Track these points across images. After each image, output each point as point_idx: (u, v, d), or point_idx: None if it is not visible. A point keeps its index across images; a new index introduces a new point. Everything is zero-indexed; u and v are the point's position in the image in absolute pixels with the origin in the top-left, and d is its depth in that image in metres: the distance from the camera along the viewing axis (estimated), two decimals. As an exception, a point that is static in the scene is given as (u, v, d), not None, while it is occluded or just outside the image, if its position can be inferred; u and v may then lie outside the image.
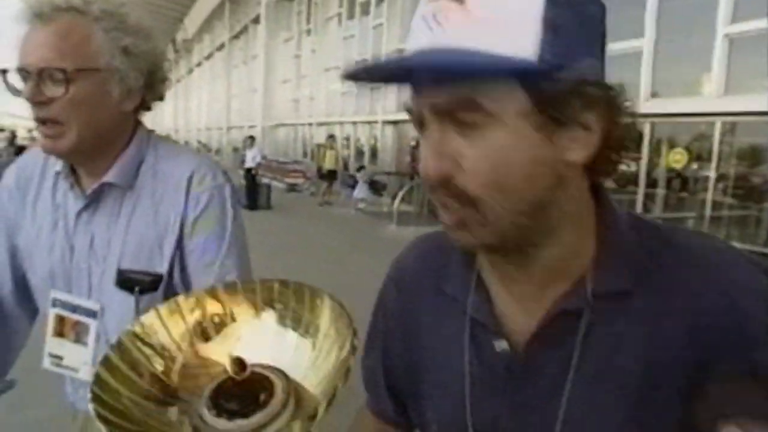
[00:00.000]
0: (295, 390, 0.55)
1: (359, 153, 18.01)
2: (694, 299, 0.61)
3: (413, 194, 11.83)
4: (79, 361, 1.23)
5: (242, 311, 0.62)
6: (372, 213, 12.51)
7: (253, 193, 13.16)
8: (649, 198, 8.54)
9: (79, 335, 1.22)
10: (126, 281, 1.16)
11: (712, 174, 7.75)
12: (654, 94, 8.38)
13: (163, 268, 1.16)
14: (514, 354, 0.68)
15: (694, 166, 8.19)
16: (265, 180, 14.37)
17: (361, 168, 14.14)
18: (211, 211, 1.20)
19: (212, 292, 0.64)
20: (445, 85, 0.57)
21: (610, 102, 0.59)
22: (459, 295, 0.74)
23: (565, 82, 0.56)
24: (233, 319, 0.62)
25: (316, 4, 21.69)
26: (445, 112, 0.58)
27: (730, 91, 7.32)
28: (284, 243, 9.04)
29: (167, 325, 0.62)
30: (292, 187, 17.16)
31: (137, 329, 0.61)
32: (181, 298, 0.63)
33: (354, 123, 18.17)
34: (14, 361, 1.34)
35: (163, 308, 0.63)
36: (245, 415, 0.52)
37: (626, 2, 8.39)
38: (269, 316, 0.61)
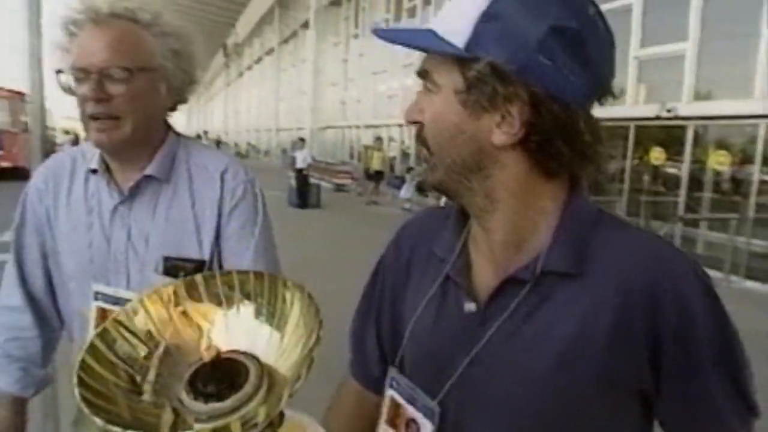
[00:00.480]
0: (268, 375, 0.57)
1: (404, 155, 18.37)
2: (624, 278, 0.71)
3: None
4: None
5: (220, 302, 0.64)
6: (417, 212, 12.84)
7: (303, 192, 13.69)
8: (691, 200, 8.62)
9: None
10: (172, 268, 1.22)
11: (756, 176, 7.81)
12: (698, 97, 8.46)
13: (204, 255, 1.24)
14: (477, 312, 0.77)
15: (738, 168, 8.24)
16: (313, 180, 14.89)
17: (410, 169, 14.45)
18: (244, 202, 1.29)
19: (191, 283, 0.65)
20: (425, 60, 0.75)
21: (534, 99, 0.68)
22: (446, 256, 0.83)
23: (476, 70, 0.69)
24: (212, 309, 0.63)
25: (363, 9, 22.19)
26: (420, 77, 0.77)
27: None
28: (333, 238, 9.53)
29: (150, 313, 0.62)
30: (340, 187, 17.62)
31: (122, 317, 0.62)
32: (163, 288, 0.64)
33: (400, 125, 18.51)
34: (53, 357, 1.42)
35: (147, 297, 0.63)
36: (220, 398, 0.54)
37: (670, 5, 8.53)
38: (245, 307, 0.63)
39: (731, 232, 7.21)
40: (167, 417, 0.55)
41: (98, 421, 0.52)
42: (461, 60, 0.70)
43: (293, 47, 32.09)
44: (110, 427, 0.52)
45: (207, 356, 0.56)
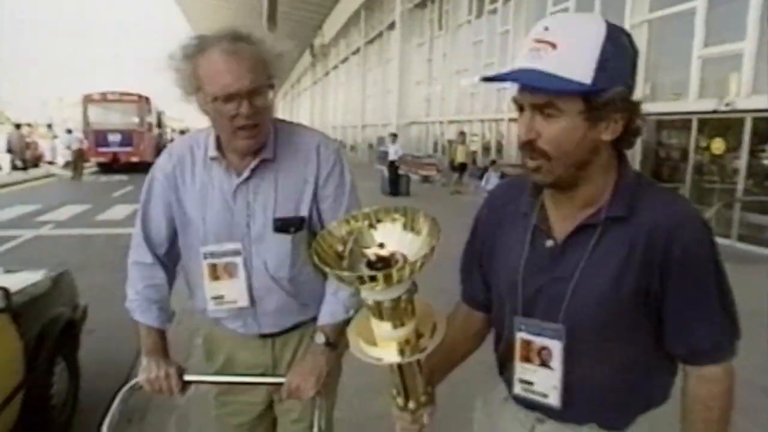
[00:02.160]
0: (408, 260, 0.92)
1: (486, 148, 19.32)
2: (652, 222, 1.04)
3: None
4: (236, 293, 1.58)
5: (383, 221, 1.00)
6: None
7: (395, 182, 15.32)
8: (747, 191, 9.35)
9: (231, 273, 1.57)
10: (284, 225, 1.55)
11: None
12: (756, 91, 9.18)
13: (305, 213, 1.56)
14: (555, 247, 1.11)
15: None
16: (401, 172, 16.30)
17: (493, 162, 15.31)
18: (336, 168, 1.60)
19: (366, 214, 1.00)
20: (538, 92, 0.99)
21: (630, 109, 1.02)
22: (528, 211, 1.17)
23: (606, 98, 0.98)
24: (377, 225, 1.00)
25: (447, 11, 23.03)
26: (536, 106, 1.01)
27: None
28: (425, 221, 10.92)
29: (341, 227, 1.00)
30: (426, 179, 18.83)
31: (328, 229, 1.01)
32: (347, 216, 1.02)
33: (482, 121, 19.48)
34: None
35: (337, 222, 1.02)
36: (381, 268, 0.92)
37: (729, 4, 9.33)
38: (397, 224, 0.99)
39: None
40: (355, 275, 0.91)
41: (326, 269, 0.91)
42: (587, 93, 0.97)
43: (378, 47, 33.02)
44: (333, 271, 0.91)
45: (377, 250, 0.95)
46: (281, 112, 75.28)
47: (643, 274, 1.04)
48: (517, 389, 1.20)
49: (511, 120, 17.06)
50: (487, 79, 1.04)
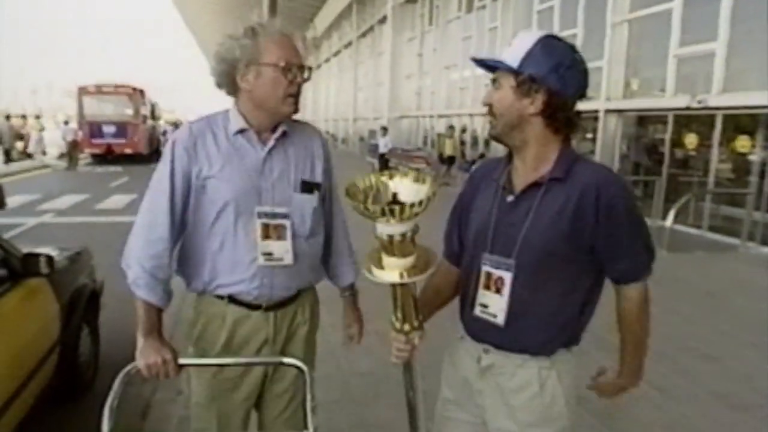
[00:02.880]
0: (418, 203, 1.24)
1: (474, 142, 19.70)
2: (585, 183, 1.42)
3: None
4: (284, 251, 1.78)
5: (398, 175, 1.34)
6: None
7: (385, 174, 15.67)
8: (718, 183, 9.87)
9: (280, 234, 1.77)
10: (307, 186, 1.82)
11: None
12: (726, 89, 9.67)
13: (320, 179, 1.86)
14: (513, 200, 1.50)
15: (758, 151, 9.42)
16: (391, 164, 16.65)
17: (482, 156, 15.78)
18: (328, 147, 1.96)
19: (382, 173, 1.36)
20: (491, 69, 1.48)
21: (548, 92, 1.41)
22: (498, 178, 1.56)
23: (524, 77, 1.40)
24: (393, 178, 1.34)
25: (437, 7, 23.41)
26: (492, 80, 1.47)
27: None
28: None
29: (364, 179, 1.33)
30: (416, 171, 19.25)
31: (354, 181, 1.31)
32: (371, 174, 1.36)
33: (471, 115, 19.82)
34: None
35: (360, 177, 1.32)
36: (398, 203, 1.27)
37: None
38: (409, 177, 1.33)
39: (750, 207, 8.63)
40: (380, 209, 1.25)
41: (357, 203, 1.26)
42: (515, 72, 1.41)
43: (371, 41, 33.33)
44: (364, 204, 1.25)
45: (392, 195, 1.31)
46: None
47: (576, 219, 1.40)
48: (477, 311, 1.55)
49: (498, 114, 17.39)
50: (475, 61, 1.49)
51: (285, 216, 1.76)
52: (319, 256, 1.95)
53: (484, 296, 1.54)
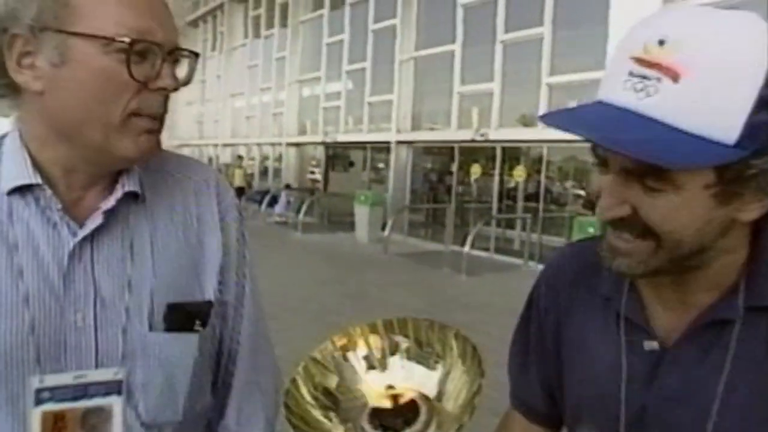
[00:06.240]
0: (438, 413, 0.67)
1: (263, 172, 19.34)
2: None
3: (314, 207, 13.79)
4: None
5: (396, 347, 0.74)
6: (279, 223, 14.13)
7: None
8: (500, 209, 10.94)
9: (95, 428, 0.77)
10: (184, 316, 0.84)
11: (542, 187, 10.27)
12: (502, 125, 10.75)
13: (211, 293, 0.88)
14: (662, 352, 0.75)
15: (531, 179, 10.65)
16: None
17: (287, 186, 15.33)
18: (239, 208, 1.03)
19: (374, 328, 0.76)
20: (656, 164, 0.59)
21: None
22: (613, 295, 0.80)
23: (754, 168, 0.61)
24: (392, 352, 0.74)
25: (221, 33, 22.78)
26: (632, 171, 0.64)
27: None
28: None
29: (342, 351, 0.74)
30: (201, 203, 18.15)
31: (317, 355, 0.75)
32: (350, 329, 0.77)
33: (258, 144, 19.48)
34: None
35: (336, 337, 0.76)
36: (396, 430, 0.65)
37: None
38: (411, 351, 0.74)
39: (528, 230, 9.55)
40: None
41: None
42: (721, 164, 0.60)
43: None
44: None
45: (387, 395, 0.69)
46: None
47: None
48: None
49: (289, 144, 17.37)
50: (553, 124, 0.65)
51: (114, 389, 0.79)
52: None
53: None
